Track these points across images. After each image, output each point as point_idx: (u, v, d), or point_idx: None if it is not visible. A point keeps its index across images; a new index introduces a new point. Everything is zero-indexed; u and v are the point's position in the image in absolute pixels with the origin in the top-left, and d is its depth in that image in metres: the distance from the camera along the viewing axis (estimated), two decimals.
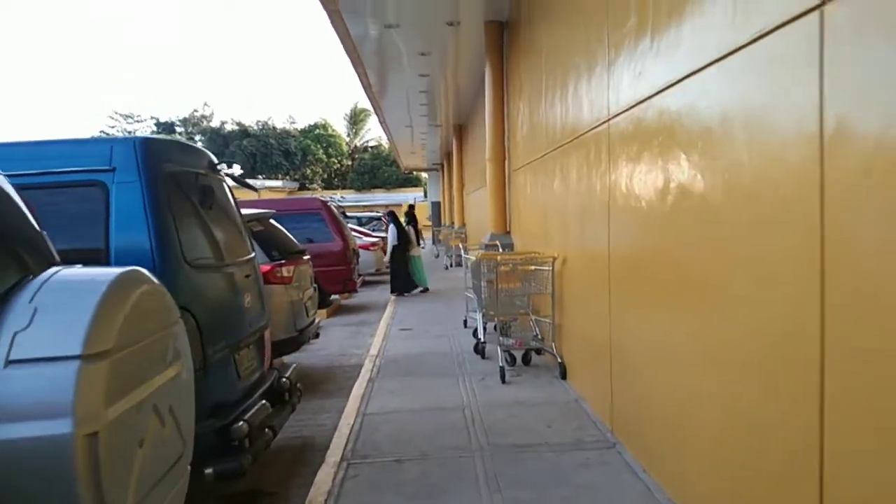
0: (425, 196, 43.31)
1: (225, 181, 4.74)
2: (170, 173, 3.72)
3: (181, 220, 3.69)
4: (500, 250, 9.03)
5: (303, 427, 5.42)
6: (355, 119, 63.00)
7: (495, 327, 6.94)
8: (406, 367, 6.91)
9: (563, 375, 6.15)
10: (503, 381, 6.11)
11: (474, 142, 16.83)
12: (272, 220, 7.04)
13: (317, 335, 7.28)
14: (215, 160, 4.54)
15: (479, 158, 15.03)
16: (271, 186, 50.12)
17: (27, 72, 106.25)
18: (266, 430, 3.93)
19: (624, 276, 4.35)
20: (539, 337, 6.72)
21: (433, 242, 25.86)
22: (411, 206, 14.94)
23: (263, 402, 3.97)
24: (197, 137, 62.93)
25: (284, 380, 4.52)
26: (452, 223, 27.34)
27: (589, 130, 5.13)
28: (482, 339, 7.26)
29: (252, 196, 11.83)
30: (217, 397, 3.67)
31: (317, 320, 7.37)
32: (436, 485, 3.89)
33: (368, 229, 23.49)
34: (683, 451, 3.41)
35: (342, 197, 47.39)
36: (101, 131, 61.86)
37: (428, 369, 6.78)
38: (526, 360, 6.76)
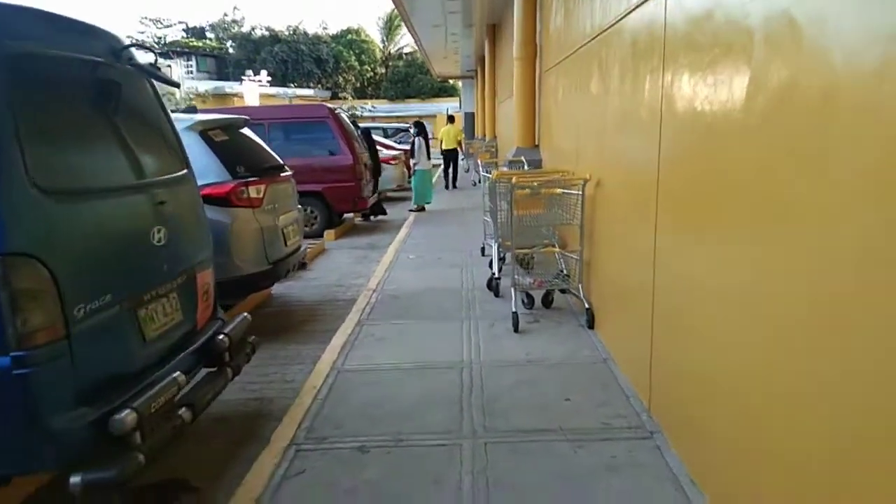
0: (460, 106, 41.31)
1: (147, 75, 3.53)
2: (18, 56, 2.54)
3: (36, 125, 2.55)
4: (525, 168, 7.74)
5: (266, 384, 4.44)
6: (390, 25, 60.06)
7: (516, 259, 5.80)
8: (405, 306, 5.85)
9: (591, 324, 5.01)
10: (516, 329, 5.00)
11: (507, 43, 15.10)
12: (244, 130, 5.84)
13: (303, 265, 6.24)
14: (123, 44, 3.33)
15: (505, 66, 13.41)
16: (302, 95, 48.62)
17: None
18: (179, 411, 2.91)
19: (679, 203, 3.10)
20: (565, 275, 5.54)
21: (464, 157, 24.41)
22: (418, 121, 13.58)
23: (175, 374, 2.93)
24: (228, 43, 61.26)
25: (222, 337, 3.47)
26: (484, 135, 25.75)
27: (636, 8, 3.74)
28: (496, 274, 6.12)
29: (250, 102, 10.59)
30: (95, 375, 2.63)
31: (303, 247, 6.29)
32: (402, 494, 2.86)
33: (395, 141, 22.15)
34: (766, 461, 2.27)
35: (373, 106, 45.81)
36: (129, 36, 60.45)
37: (430, 310, 5.71)
38: (547, 301, 5.62)
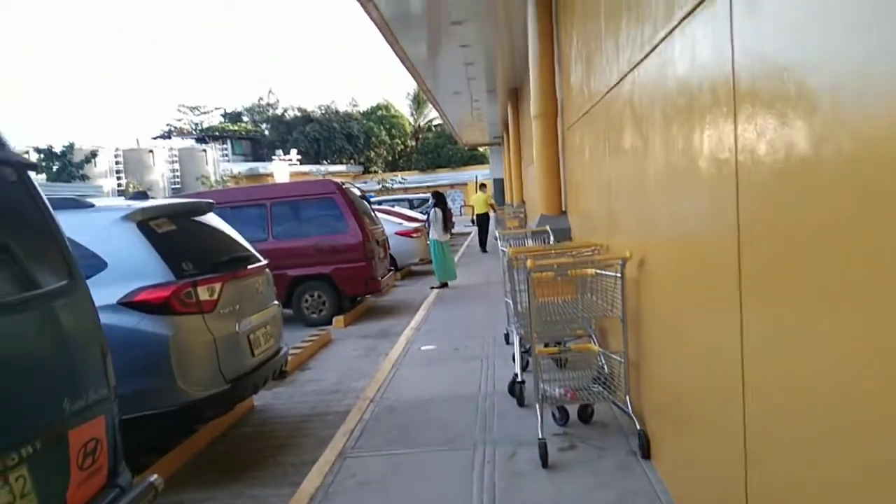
0: (490, 173, 40.76)
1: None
2: None
3: None
4: (551, 240, 6.60)
5: None
6: (418, 99, 60.90)
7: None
8: (404, 425, 4.63)
9: (645, 451, 3.72)
10: (544, 463, 3.73)
11: (525, 108, 14.26)
12: (205, 217, 4.85)
13: (282, 374, 5.11)
14: None
15: (527, 129, 12.50)
16: (335, 172, 48.84)
17: (96, 70, 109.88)
18: None
19: (783, 276, 1.89)
20: (605, 379, 4.28)
21: (497, 223, 23.41)
22: (436, 192, 12.69)
23: None
24: (263, 125, 62.83)
25: None
26: (513, 201, 24.81)
27: (677, 27, 2.65)
28: (520, 375, 4.89)
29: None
30: None
31: (283, 351, 5.18)
32: None
33: (421, 212, 21.34)
34: None
35: (403, 178, 45.61)
36: (167, 124, 62.67)
37: (434, 430, 4.48)
38: (585, 415, 4.35)
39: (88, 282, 3.98)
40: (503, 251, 6.49)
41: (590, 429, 4.23)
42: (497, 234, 6.75)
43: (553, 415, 4.27)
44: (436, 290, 11.20)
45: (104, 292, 3.91)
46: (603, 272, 4.05)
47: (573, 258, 4.68)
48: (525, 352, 5.15)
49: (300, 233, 9.40)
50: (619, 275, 3.84)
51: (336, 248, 9.29)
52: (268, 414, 5.55)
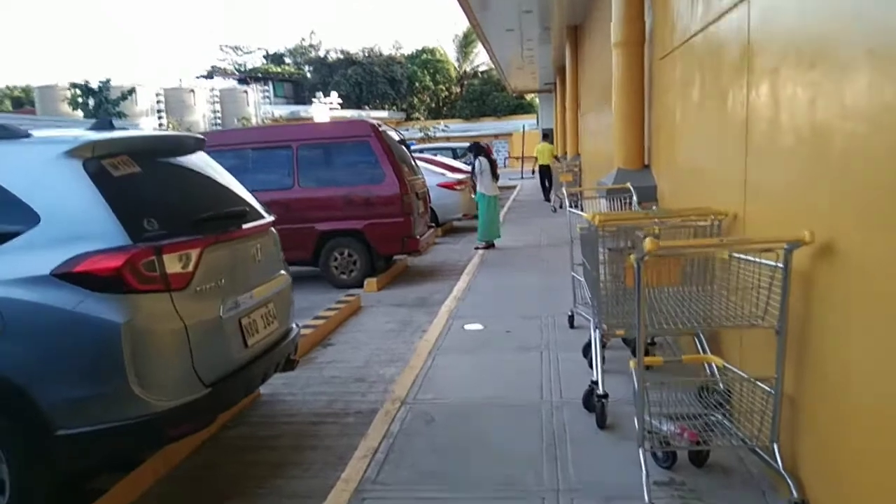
0: (537, 123, 38.83)
1: None
2: None
3: None
4: (633, 200, 5.27)
5: None
6: (466, 42, 58.53)
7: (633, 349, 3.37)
8: (442, 448, 3.45)
9: None
10: None
11: (593, 45, 12.61)
12: (190, 157, 3.65)
13: (290, 364, 3.98)
14: None
15: (600, 65, 10.92)
16: (376, 118, 47.39)
17: (142, 7, 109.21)
18: None
19: None
20: (726, 408, 3.01)
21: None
22: (475, 143, 11.22)
23: None
24: (305, 68, 61.48)
25: None
26: (565, 154, 23.17)
27: None
28: (600, 387, 3.64)
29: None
30: None
31: (292, 334, 4.03)
32: None
33: (464, 162, 19.92)
34: None
35: (446, 126, 43.93)
36: (212, 65, 61.83)
37: (483, 459, 3.29)
38: (698, 456, 3.09)
39: (12, 243, 2.89)
40: (574, 212, 5.19)
41: (706, 477, 2.98)
42: (563, 192, 5.43)
43: (654, 454, 3.04)
44: (481, 251, 9.96)
45: (32, 259, 2.80)
46: (747, 257, 2.74)
47: (689, 232, 3.37)
48: (602, 346, 3.90)
49: (330, 181, 8.20)
50: (779, 264, 2.53)
51: (370, 201, 8.07)
52: (273, 408, 4.46)
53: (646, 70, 6.07)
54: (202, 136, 3.93)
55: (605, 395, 3.57)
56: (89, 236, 2.81)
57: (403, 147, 9.21)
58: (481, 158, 10.26)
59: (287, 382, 4.86)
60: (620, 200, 5.44)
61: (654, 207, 5.38)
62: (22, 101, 54.70)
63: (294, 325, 4.13)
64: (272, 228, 3.99)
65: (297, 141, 8.24)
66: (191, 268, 3.01)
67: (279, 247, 4.08)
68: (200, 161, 3.71)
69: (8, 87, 61.04)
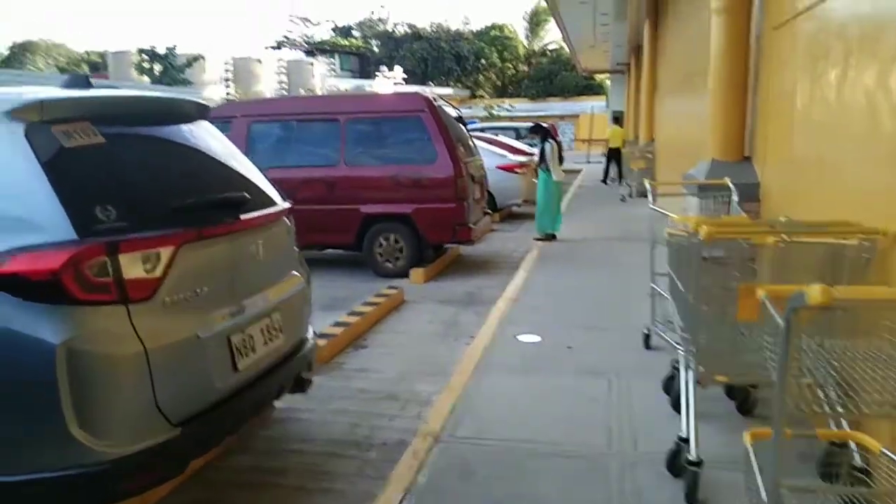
0: (607, 105, 37.16)
1: None
2: None
3: None
4: (733, 200, 4.32)
5: None
6: (536, 20, 56.81)
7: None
8: None
9: None
10: None
11: (678, 18, 11.38)
12: (183, 127, 2.91)
13: (300, 384, 3.26)
14: None
15: (685, 41, 9.76)
16: (441, 95, 46.41)
17: None
18: None
19: None
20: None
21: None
22: (537, 124, 10.12)
23: None
24: (373, 42, 61.12)
25: None
26: (636, 138, 21.81)
27: None
28: (690, 446, 2.77)
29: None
30: None
31: (307, 346, 3.29)
32: None
33: (528, 143, 18.90)
34: None
35: (511, 106, 42.66)
36: (281, 36, 62.14)
37: None
38: None
39: None
40: (659, 210, 4.28)
41: None
42: (648, 188, 4.50)
43: None
44: (540, 244, 9.07)
45: None
46: None
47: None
48: (686, 382, 3.02)
49: (378, 159, 7.46)
50: None
51: (420, 182, 7.29)
52: (286, 428, 3.77)
53: (752, 42, 5.03)
54: (205, 103, 3.20)
55: (699, 463, 2.70)
56: (23, 227, 2.13)
57: (460, 125, 8.37)
58: (551, 141, 9.30)
59: (308, 394, 4.15)
60: (720, 201, 4.49)
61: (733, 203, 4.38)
62: (98, 66, 56.23)
63: (310, 336, 3.39)
64: (286, 218, 3.24)
65: (345, 114, 7.51)
66: (159, 272, 2.30)
67: (294, 240, 3.33)
68: (199, 133, 2.98)
69: (86, 52, 62.98)
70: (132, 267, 2.22)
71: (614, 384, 4.01)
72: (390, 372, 4.58)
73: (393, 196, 7.37)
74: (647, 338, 4.65)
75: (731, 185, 4.36)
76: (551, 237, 9.27)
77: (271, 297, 2.93)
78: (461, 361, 4.53)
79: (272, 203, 3.13)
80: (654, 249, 4.44)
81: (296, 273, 3.23)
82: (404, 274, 7.40)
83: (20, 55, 58.71)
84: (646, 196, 4.57)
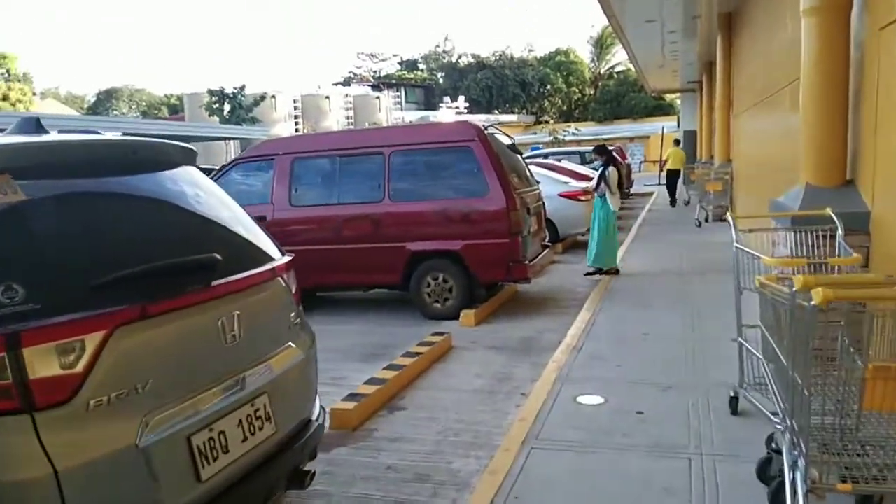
0: (678, 125, 35.76)
1: None
2: None
3: None
4: (840, 236, 3.53)
5: None
6: (601, 43, 55.90)
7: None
8: None
9: None
10: None
11: (754, 30, 10.46)
12: (152, 176, 2.41)
13: (298, 480, 2.68)
14: None
15: (764, 53, 8.88)
16: (505, 122, 46.02)
17: (284, 18, 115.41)
18: None
19: None
20: None
21: (683, 183, 19.53)
22: (600, 146, 9.21)
23: None
24: (438, 74, 61.72)
25: None
26: (711, 158, 20.57)
27: None
28: None
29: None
30: None
31: (311, 429, 2.71)
32: None
33: (593, 168, 18.07)
34: None
35: (577, 129, 41.80)
36: (349, 72, 63.64)
37: None
38: None
39: None
40: (746, 250, 3.53)
41: None
42: (731, 222, 3.74)
43: None
44: (599, 278, 8.27)
45: None
46: None
47: None
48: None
49: (425, 193, 6.92)
50: None
51: (470, 217, 6.70)
52: None
53: (852, 46, 4.23)
54: (189, 147, 2.71)
55: None
56: None
57: (515, 153, 7.76)
58: (611, 167, 8.54)
59: (327, 471, 3.58)
60: (811, 233, 3.69)
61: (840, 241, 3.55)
62: (177, 108, 58.98)
63: (315, 415, 2.82)
64: (283, 276, 2.69)
65: (390, 147, 7.04)
66: (81, 366, 1.77)
67: (292, 301, 2.77)
68: (175, 182, 2.48)
69: (166, 96, 66.32)
70: (42, 363, 1.70)
71: (696, 467, 3.25)
72: (427, 442, 3.95)
73: (441, 232, 6.81)
74: (733, 401, 3.84)
75: (833, 216, 3.56)
76: (610, 271, 8.43)
77: (255, 379, 2.38)
78: (509, 431, 3.86)
79: (262, 260, 2.59)
80: (741, 296, 3.67)
81: (292, 344, 2.66)
82: (455, 315, 6.79)
83: (105, 101, 62.33)
84: (722, 220, 3.81)
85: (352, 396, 4.36)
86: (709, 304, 6.57)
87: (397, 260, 6.93)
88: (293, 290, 2.77)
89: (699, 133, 27.29)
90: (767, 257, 3.28)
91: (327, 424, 4.08)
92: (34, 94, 49.60)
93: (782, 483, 2.70)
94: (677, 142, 20.95)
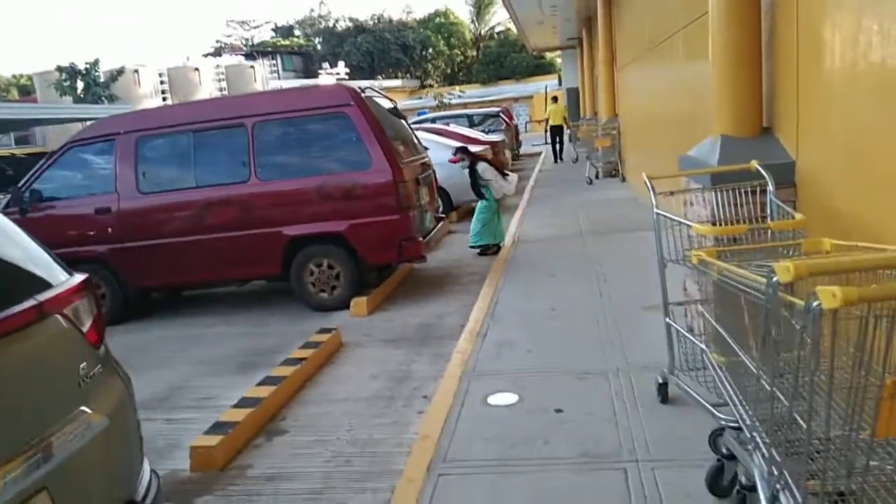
0: (559, 83, 36.07)
1: None
2: None
3: None
4: (770, 191, 3.09)
5: None
6: (480, 3, 55.51)
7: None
8: None
9: None
10: None
11: None
12: None
13: None
14: None
15: (645, 8, 8.57)
16: (390, 87, 44.77)
17: None
18: None
19: None
20: None
21: (569, 141, 19.54)
22: (462, 148, 8.42)
23: None
24: (316, 39, 59.21)
25: None
26: (595, 115, 20.67)
27: None
28: None
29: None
30: None
31: None
32: None
33: (482, 131, 17.62)
34: None
35: (462, 92, 41.42)
36: (217, 41, 59.76)
37: None
38: None
39: None
40: (667, 216, 3.02)
41: None
42: (648, 184, 3.21)
43: None
44: (486, 255, 7.76)
45: None
46: None
47: None
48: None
49: (298, 169, 6.06)
50: None
51: (353, 193, 5.92)
52: None
53: None
54: None
55: None
56: None
57: (399, 119, 7.01)
58: (481, 164, 7.85)
59: None
60: (735, 192, 3.24)
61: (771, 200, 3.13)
62: (28, 89, 53.23)
63: (139, 495, 2.02)
64: (61, 313, 1.84)
65: (253, 117, 6.09)
66: None
67: (82, 345, 1.94)
68: None
69: (14, 76, 59.65)
70: None
71: (633, 478, 2.74)
72: (313, 476, 3.23)
73: (321, 212, 5.99)
74: (662, 388, 3.38)
75: (760, 169, 3.11)
76: (493, 249, 7.88)
77: (20, 476, 1.56)
78: (412, 451, 3.21)
79: (16, 296, 1.73)
80: (663, 271, 3.17)
81: (86, 409, 1.83)
82: (345, 305, 6.05)
83: None
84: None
85: (217, 427, 3.55)
86: (613, 267, 6.21)
87: (273, 247, 6.06)
88: (86, 326, 1.93)
89: (581, 90, 27.52)
90: (699, 224, 2.78)
91: (188, 467, 3.31)
92: None
93: (744, 499, 2.24)
94: (555, 99, 21.49)
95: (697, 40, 5.28)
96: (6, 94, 56.14)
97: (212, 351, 5.36)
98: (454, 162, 8.28)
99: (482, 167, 7.72)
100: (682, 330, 3.10)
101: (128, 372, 2.19)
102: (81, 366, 1.85)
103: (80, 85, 25.99)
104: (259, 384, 4.15)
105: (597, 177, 13.31)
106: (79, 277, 1.99)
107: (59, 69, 26.05)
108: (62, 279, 1.94)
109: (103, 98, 25.73)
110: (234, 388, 4.38)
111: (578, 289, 5.69)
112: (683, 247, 2.96)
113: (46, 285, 1.85)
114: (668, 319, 3.19)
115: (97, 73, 26.40)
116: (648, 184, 3.23)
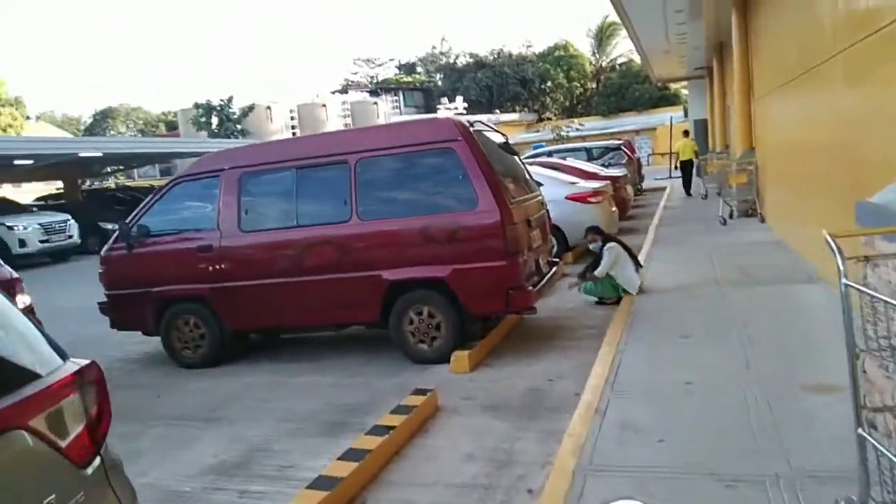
0: (685, 114, 34.31)
1: None
2: None
3: None
4: None
5: None
6: (602, 35, 54.47)
7: None
8: None
9: None
10: None
11: (776, 9, 9.07)
12: None
13: None
14: None
15: (791, 31, 7.54)
16: (507, 121, 44.65)
17: (284, 31, 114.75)
18: None
19: None
20: None
21: (697, 175, 18.16)
22: (594, 227, 7.67)
23: None
24: (437, 76, 60.53)
25: None
26: (726, 148, 19.15)
27: None
28: None
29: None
30: None
31: None
32: None
33: (602, 164, 16.66)
34: None
35: (580, 125, 40.37)
36: (346, 79, 62.56)
37: None
38: None
39: None
40: (867, 292, 2.19)
41: None
42: (832, 244, 2.40)
43: None
44: (608, 305, 6.93)
45: None
46: None
47: None
48: None
49: (401, 209, 5.62)
50: None
51: (456, 236, 5.38)
52: None
53: None
54: None
55: None
56: None
57: (510, 154, 6.43)
58: (613, 245, 7.10)
59: None
60: None
61: None
62: (175, 124, 58.16)
63: None
64: (33, 424, 1.38)
65: (356, 153, 5.73)
66: None
67: (56, 472, 1.45)
68: None
69: (163, 113, 65.39)
70: None
71: None
72: None
73: (423, 256, 5.50)
74: None
75: None
76: (616, 298, 7.02)
77: None
78: None
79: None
80: (858, 361, 2.34)
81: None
82: (445, 358, 5.48)
83: (102, 122, 61.45)
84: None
85: None
86: (760, 329, 5.23)
87: (372, 292, 5.62)
88: (69, 437, 1.46)
89: (710, 121, 25.86)
90: None
91: None
92: (27, 117, 48.79)
93: None
94: (686, 132, 20.53)
95: (865, 62, 4.33)
96: (154, 130, 61.61)
97: (299, 404, 4.95)
98: (588, 242, 7.58)
99: (616, 252, 6.94)
100: (880, 446, 2.24)
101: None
102: (47, 501, 1.36)
103: (214, 120, 27.69)
104: (340, 458, 3.64)
105: (731, 216, 12.07)
106: (73, 364, 1.53)
107: (196, 105, 27.93)
108: (52, 366, 1.48)
109: (236, 133, 27.24)
110: (317, 454, 3.92)
111: (719, 356, 4.78)
112: (885, 333, 2.14)
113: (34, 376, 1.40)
114: (860, 431, 2.34)
115: (231, 110, 28.05)
116: (833, 245, 2.41)
